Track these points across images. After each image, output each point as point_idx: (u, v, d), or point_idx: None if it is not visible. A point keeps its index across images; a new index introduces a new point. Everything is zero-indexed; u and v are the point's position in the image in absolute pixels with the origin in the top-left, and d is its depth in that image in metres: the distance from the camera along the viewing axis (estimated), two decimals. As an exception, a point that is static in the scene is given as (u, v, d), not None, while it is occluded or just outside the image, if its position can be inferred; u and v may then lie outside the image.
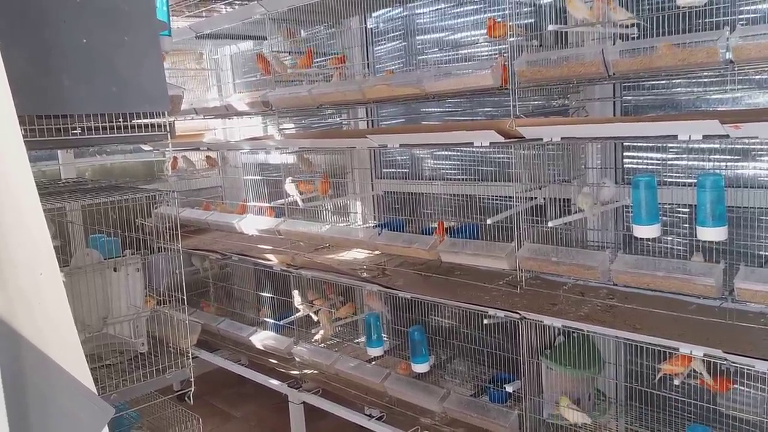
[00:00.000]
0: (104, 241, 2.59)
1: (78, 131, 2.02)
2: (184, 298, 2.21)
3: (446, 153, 3.84)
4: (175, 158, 4.89)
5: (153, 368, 2.16)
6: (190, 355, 2.23)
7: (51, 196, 2.30)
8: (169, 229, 2.25)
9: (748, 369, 2.23)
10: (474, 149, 3.65)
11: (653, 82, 2.87)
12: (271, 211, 4.36)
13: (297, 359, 3.97)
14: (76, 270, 2.23)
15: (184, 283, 2.20)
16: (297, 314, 3.98)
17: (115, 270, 2.25)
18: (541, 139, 2.63)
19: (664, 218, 2.86)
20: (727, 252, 2.45)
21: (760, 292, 2.13)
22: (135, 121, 2.09)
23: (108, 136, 1.98)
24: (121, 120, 2.04)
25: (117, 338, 2.26)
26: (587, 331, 2.53)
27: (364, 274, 3.45)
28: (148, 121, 2.11)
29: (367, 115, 4.15)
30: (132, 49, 1.97)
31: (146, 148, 5.02)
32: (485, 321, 2.85)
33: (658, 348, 2.35)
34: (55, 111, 1.87)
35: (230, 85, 5.16)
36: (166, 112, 2.07)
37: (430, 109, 3.92)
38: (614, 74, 2.40)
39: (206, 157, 5.05)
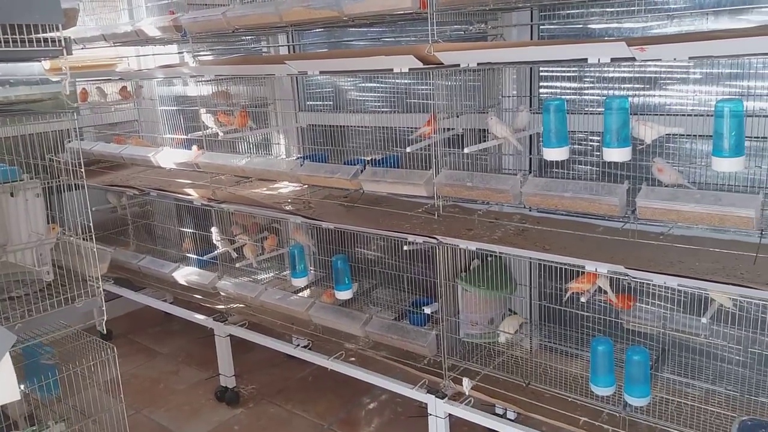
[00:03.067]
0: (3, 170, 2.43)
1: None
2: (91, 225, 2.12)
3: (370, 85, 3.80)
4: (84, 90, 4.61)
5: (61, 297, 2.09)
6: (100, 282, 2.16)
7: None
8: (76, 165, 2.12)
9: (647, 284, 2.39)
10: (397, 81, 3.62)
11: (569, 11, 2.90)
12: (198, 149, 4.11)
13: (222, 294, 3.94)
14: (-33, 196, 2.09)
15: (89, 211, 2.11)
16: (220, 250, 3.92)
17: (12, 195, 2.13)
18: (459, 65, 2.63)
19: (576, 147, 2.97)
20: (632, 177, 2.56)
21: (659, 209, 2.25)
22: (25, 35, 1.93)
23: (-5, 51, 1.83)
24: (9, 34, 1.89)
25: (19, 267, 2.16)
26: (500, 253, 2.62)
27: (289, 207, 3.43)
28: (40, 35, 1.96)
29: (288, 42, 4.02)
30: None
31: (54, 79, 4.70)
32: (405, 248, 2.91)
33: (566, 267, 2.47)
34: (-72, 19, 1.70)
35: (142, 9, 4.85)
36: (59, 26, 1.92)
37: (352, 39, 3.84)
38: (531, -4, 2.41)
39: (120, 88, 4.78)
